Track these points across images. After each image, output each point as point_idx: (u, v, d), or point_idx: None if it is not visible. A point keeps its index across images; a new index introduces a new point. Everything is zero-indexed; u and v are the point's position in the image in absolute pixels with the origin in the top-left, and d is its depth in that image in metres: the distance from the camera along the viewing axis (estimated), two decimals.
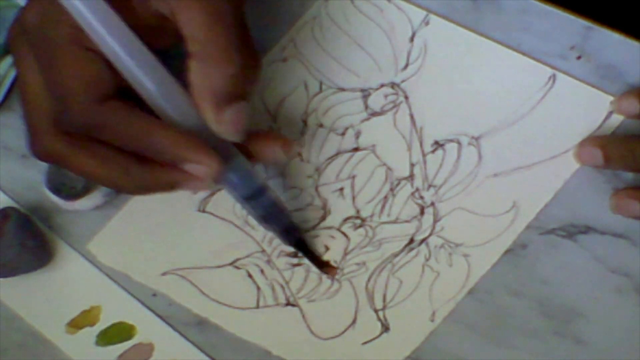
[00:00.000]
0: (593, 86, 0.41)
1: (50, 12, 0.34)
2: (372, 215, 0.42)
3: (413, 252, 0.42)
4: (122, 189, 0.38)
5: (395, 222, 0.42)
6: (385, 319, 0.42)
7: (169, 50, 0.38)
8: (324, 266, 0.42)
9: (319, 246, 0.43)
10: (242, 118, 0.36)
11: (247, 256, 0.44)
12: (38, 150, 0.37)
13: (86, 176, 0.37)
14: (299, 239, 0.42)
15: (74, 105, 0.34)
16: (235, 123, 0.35)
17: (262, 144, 0.38)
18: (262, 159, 0.39)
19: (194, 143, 0.35)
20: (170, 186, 0.37)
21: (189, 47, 0.34)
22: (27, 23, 0.36)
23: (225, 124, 0.35)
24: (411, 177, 0.42)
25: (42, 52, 0.35)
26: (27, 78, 0.36)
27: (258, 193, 0.39)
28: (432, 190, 0.42)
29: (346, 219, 0.43)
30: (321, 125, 0.44)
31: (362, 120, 0.43)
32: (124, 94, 0.35)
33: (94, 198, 0.45)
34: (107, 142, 0.35)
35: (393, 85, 0.43)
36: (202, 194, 0.44)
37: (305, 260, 0.43)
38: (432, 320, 0.41)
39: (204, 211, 0.44)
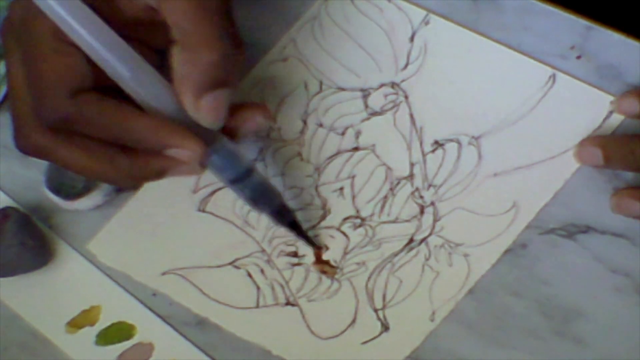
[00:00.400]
0: (593, 86, 0.41)
1: (33, 6, 0.35)
2: (372, 215, 0.42)
3: (413, 252, 0.42)
4: (109, 181, 0.38)
5: (395, 221, 0.42)
6: (385, 319, 0.42)
7: (167, 49, 0.38)
8: (318, 248, 0.42)
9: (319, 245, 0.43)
10: (220, 106, 0.36)
11: (247, 256, 0.44)
12: (23, 145, 0.37)
13: (73, 169, 0.37)
14: (291, 220, 0.41)
15: (47, 98, 0.34)
16: (213, 110, 0.35)
17: (240, 118, 0.38)
18: (244, 132, 0.39)
19: (173, 128, 0.35)
20: (158, 174, 0.37)
21: (172, 33, 0.34)
22: (13, 17, 0.36)
23: (202, 111, 0.35)
24: (411, 176, 0.42)
25: (25, 46, 0.35)
26: (13, 72, 0.37)
27: (245, 175, 0.39)
28: (432, 189, 0.42)
29: (346, 219, 0.43)
30: (321, 125, 0.44)
31: (362, 120, 0.43)
32: (110, 90, 0.35)
33: (94, 198, 0.45)
34: (89, 135, 0.35)
35: (393, 85, 0.43)
36: (201, 194, 0.44)
37: (305, 260, 0.43)
38: (432, 320, 0.41)
39: (204, 211, 0.44)
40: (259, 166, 0.44)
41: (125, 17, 0.36)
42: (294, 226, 0.42)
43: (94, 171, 0.36)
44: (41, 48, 0.34)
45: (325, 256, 0.43)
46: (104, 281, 0.45)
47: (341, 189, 0.43)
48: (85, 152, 0.36)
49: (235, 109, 0.38)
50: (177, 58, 0.34)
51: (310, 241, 0.42)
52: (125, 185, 0.38)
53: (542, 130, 0.41)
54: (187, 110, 0.35)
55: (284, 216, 0.41)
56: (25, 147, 0.37)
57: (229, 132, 0.38)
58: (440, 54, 0.43)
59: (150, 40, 0.38)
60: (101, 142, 0.36)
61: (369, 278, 0.42)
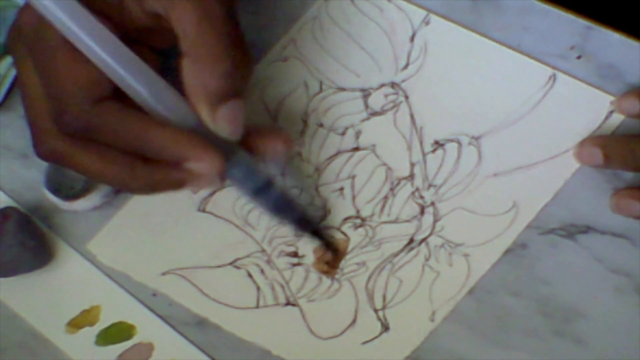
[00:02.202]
0: (593, 86, 0.41)
1: None
2: (372, 215, 0.42)
3: (413, 252, 0.42)
4: (128, 188, 0.38)
5: (395, 221, 0.42)
6: (385, 319, 0.42)
7: (168, 50, 0.38)
8: (342, 254, 0.42)
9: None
10: (238, 115, 0.36)
11: (247, 256, 0.44)
12: (42, 151, 0.37)
13: (91, 176, 0.36)
14: (314, 229, 0.41)
15: (69, 107, 0.34)
16: (231, 121, 0.35)
17: (262, 140, 0.38)
18: (263, 154, 0.39)
19: (193, 140, 0.35)
20: (177, 184, 0.37)
21: (181, 45, 0.34)
22: (23, 25, 0.36)
23: (220, 122, 0.35)
24: (411, 176, 0.42)
25: (39, 55, 0.35)
26: (27, 79, 0.36)
27: (265, 186, 0.39)
28: (432, 190, 0.42)
29: (346, 219, 0.43)
30: (321, 125, 0.44)
31: (362, 120, 0.43)
32: (128, 96, 0.35)
33: (93, 199, 0.45)
34: (108, 144, 0.35)
35: (393, 85, 0.43)
36: (201, 194, 0.44)
37: (305, 260, 0.43)
38: (432, 320, 0.41)
39: (204, 211, 0.44)
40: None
41: (135, 24, 0.36)
42: (317, 234, 0.42)
43: (112, 178, 0.36)
44: (58, 56, 0.34)
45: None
46: (104, 281, 0.45)
47: (341, 189, 0.43)
48: (105, 159, 0.35)
49: (259, 131, 0.38)
50: (188, 70, 0.34)
51: (333, 248, 0.42)
52: (143, 193, 0.38)
53: (542, 130, 0.41)
54: (205, 122, 0.35)
55: (307, 224, 0.41)
56: (44, 153, 0.36)
57: (248, 148, 0.38)
58: (440, 54, 0.43)
59: (152, 43, 0.38)
60: (121, 150, 0.35)
61: (369, 278, 0.42)
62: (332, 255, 0.42)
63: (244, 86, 0.36)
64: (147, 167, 0.36)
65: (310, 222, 0.41)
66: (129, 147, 0.35)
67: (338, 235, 0.43)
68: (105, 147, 0.35)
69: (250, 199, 0.39)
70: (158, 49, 0.39)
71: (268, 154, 0.39)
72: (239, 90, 0.35)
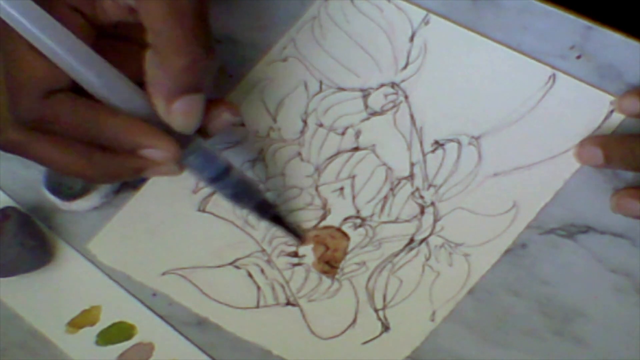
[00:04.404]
0: (593, 86, 0.41)
1: None
2: (372, 215, 0.42)
3: (413, 252, 0.42)
4: (86, 177, 0.38)
5: (395, 221, 0.42)
6: (386, 319, 0.42)
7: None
8: (302, 238, 0.43)
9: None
10: (193, 110, 0.36)
11: (247, 256, 0.44)
12: None
13: (48, 165, 0.37)
14: (274, 214, 0.42)
15: (21, 99, 0.35)
16: (185, 115, 0.36)
17: (207, 116, 0.38)
18: (214, 130, 0.39)
19: (147, 128, 0.35)
20: (134, 172, 0.37)
21: (148, 37, 0.34)
22: None
23: (174, 116, 0.35)
24: (411, 176, 0.42)
25: (4, 47, 0.35)
26: None
27: (223, 173, 0.39)
28: (432, 189, 0.42)
29: (346, 219, 0.43)
30: (321, 125, 0.44)
31: (362, 120, 0.43)
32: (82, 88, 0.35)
33: (92, 199, 0.45)
34: (65, 134, 0.36)
35: (393, 85, 0.43)
36: (202, 194, 0.44)
37: (306, 260, 0.43)
38: (432, 320, 0.41)
39: (204, 211, 0.44)
40: (259, 166, 0.44)
41: (109, 18, 0.36)
42: (277, 220, 0.42)
43: (70, 167, 0.36)
44: (18, 48, 0.34)
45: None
46: (104, 281, 0.45)
47: (341, 189, 0.43)
48: (61, 148, 0.36)
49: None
50: (149, 62, 0.35)
51: (294, 233, 0.42)
52: (102, 182, 0.38)
53: (542, 130, 0.41)
54: (160, 114, 0.36)
55: (266, 210, 0.41)
56: (1, 143, 0.37)
57: (199, 130, 0.38)
58: (440, 54, 0.43)
59: (138, 38, 0.38)
60: (78, 140, 0.36)
61: (370, 278, 0.42)
62: (296, 242, 0.43)
63: (204, 81, 0.36)
64: (104, 156, 0.36)
65: (270, 207, 0.41)
66: (85, 137, 0.36)
67: (337, 235, 0.43)
68: (62, 137, 0.36)
69: (208, 186, 0.40)
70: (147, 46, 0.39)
71: (219, 127, 0.39)
72: (198, 86, 0.35)
